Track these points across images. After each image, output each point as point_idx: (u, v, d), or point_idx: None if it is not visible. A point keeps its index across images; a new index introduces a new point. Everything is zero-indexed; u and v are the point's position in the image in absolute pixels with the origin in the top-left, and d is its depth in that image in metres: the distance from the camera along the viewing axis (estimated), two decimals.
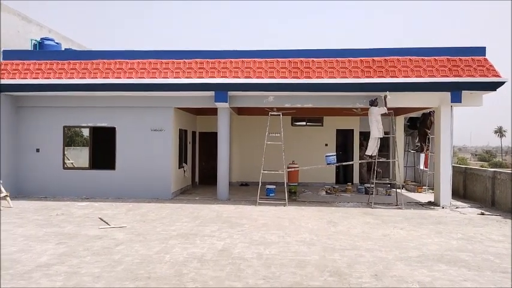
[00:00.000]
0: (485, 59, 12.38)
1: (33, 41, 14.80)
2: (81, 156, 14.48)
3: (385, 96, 12.56)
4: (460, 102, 12.42)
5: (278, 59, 12.99)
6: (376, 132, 12.89)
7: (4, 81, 13.15)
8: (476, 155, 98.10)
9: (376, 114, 12.78)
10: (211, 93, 13.23)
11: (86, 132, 14.36)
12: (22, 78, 13.17)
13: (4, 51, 13.38)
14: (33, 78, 13.16)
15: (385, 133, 15.79)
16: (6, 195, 11.99)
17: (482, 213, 11.78)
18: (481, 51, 12.54)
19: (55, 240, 8.08)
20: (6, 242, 7.89)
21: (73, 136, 14.59)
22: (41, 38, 14.97)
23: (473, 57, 12.43)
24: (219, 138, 13.98)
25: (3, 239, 8.18)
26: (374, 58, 12.74)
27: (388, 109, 13.16)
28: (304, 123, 18.86)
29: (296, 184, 14.45)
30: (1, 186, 12.14)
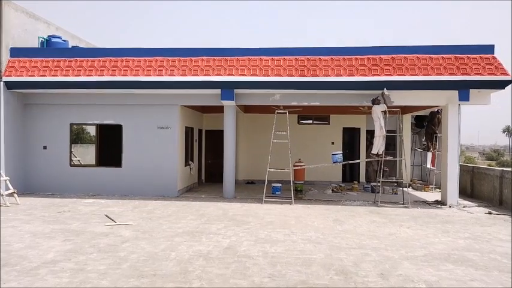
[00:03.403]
0: (494, 57, 12.27)
1: (41, 39, 14.85)
2: (88, 153, 14.54)
3: (383, 93, 12.54)
4: (468, 100, 12.35)
5: (285, 57, 12.95)
6: (378, 130, 12.86)
7: (11, 79, 13.22)
8: (484, 154, 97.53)
9: (377, 112, 12.75)
10: (218, 91, 13.23)
11: (91, 130, 14.41)
12: (29, 76, 13.24)
13: (12, 48, 13.45)
14: (41, 75, 13.23)
15: (392, 132, 15.73)
16: (14, 192, 12.07)
17: (490, 213, 11.70)
18: (490, 49, 12.42)
19: (62, 237, 8.12)
20: (13, 239, 7.94)
21: (80, 133, 14.64)
22: (49, 36, 15.01)
23: (481, 55, 12.33)
24: (225, 136, 13.97)
25: (11, 235, 8.23)
26: (381, 56, 12.67)
27: (395, 107, 13.12)
28: (310, 121, 18.80)
29: (302, 182, 14.41)
30: (9, 183, 12.24)
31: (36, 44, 14.61)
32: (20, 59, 13.46)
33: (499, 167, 23.44)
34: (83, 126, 14.53)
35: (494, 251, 7.61)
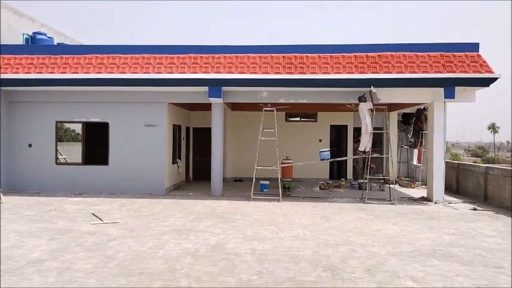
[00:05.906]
0: (479, 55, 12.42)
1: (26, 36, 14.66)
2: (74, 151, 14.39)
3: (370, 91, 12.62)
4: (454, 98, 12.49)
5: (272, 55, 12.96)
6: (365, 127, 12.94)
7: None
8: (469, 150, 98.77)
9: (364, 109, 12.83)
10: (205, 88, 13.19)
11: (76, 128, 14.24)
12: (14, 73, 13.06)
13: None
14: (25, 73, 13.05)
15: (379, 129, 15.84)
16: None
17: (475, 209, 11.85)
18: (474, 47, 12.58)
19: (47, 236, 8.03)
20: None
21: (62, 133, 14.41)
22: (33, 33, 14.83)
23: (466, 53, 12.48)
24: (213, 134, 13.94)
25: None
26: (368, 54, 12.75)
27: (382, 105, 13.22)
28: (298, 118, 18.86)
29: (290, 180, 14.45)
30: None
31: (20, 41, 14.41)
32: (5, 56, 13.26)
33: (484, 163, 23.78)
34: (67, 124, 14.36)
35: (479, 247, 7.72)
